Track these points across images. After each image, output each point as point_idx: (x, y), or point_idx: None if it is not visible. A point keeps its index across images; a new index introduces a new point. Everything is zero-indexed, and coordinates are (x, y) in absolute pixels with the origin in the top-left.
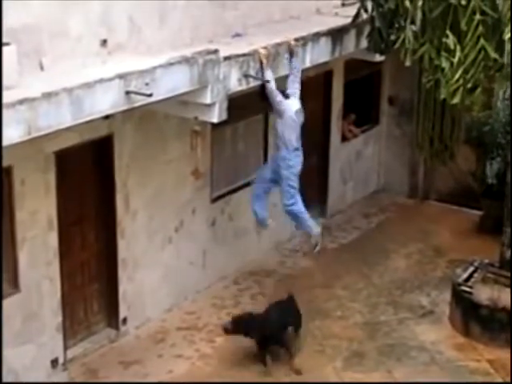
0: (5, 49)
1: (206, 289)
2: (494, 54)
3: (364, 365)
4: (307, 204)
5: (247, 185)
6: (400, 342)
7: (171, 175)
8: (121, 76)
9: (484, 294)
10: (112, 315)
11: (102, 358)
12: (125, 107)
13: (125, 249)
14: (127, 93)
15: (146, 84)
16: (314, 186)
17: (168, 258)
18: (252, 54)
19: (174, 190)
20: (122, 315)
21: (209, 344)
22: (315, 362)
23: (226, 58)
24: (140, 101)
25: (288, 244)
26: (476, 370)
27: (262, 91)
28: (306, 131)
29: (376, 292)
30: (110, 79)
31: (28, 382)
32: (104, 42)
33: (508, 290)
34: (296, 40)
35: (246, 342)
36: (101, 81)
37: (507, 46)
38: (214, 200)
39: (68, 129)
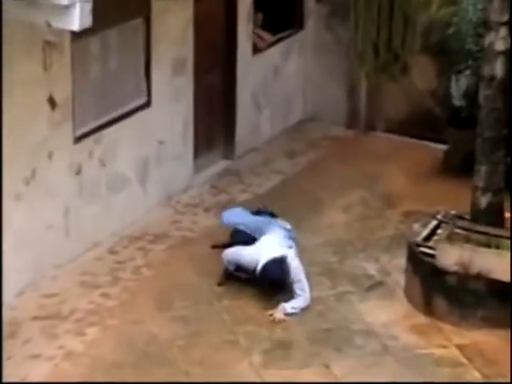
0: None
1: (72, 261)
2: None
3: (291, 358)
4: (209, 141)
5: (124, 116)
6: (339, 326)
7: (17, 106)
8: None
9: (451, 256)
10: None
11: None
12: None
13: None
14: None
15: None
16: (217, 115)
17: (17, 222)
18: None
19: (21, 126)
20: None
21: (77, 338)
22: (225, 357)
23: None
24: None
25: (183, 196)
26: (443, 360)
27: None
28: (204, 42)
29: (305, 259)
30: None
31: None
32: None
33: (483, 250)
34: None
35: (125, 333)
36: None
37: None
38: (79, 139)
39: None
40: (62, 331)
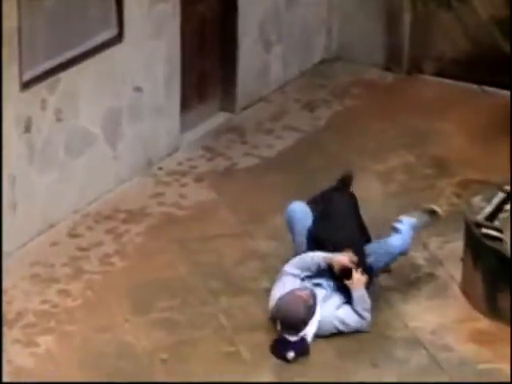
0: None
1: (19, 249)
2: None
3: (311, 377)
4: (202, 89)
5: (88, 55)
6: (375, 334)
7: None
8: None
9: None
10: None
11: None
12: None
13: None
14: None
15: None
16: (212, 54)
17: None
18: None
19: None
20: None
21: (27, 349)
22: (224, 375)
23: None
24: None
25: (168, 161)
26: None
27: None
28: None
29: None
30: None
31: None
32: None
33: None
34: None
35: (90, 343)
36: None
37: None
38: (27, 85)
39: None
40: (7, 340)
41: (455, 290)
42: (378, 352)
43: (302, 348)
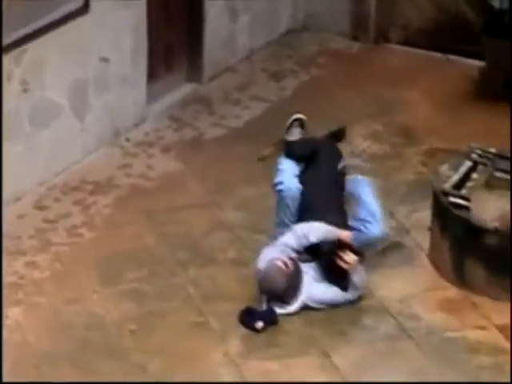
0: None
1: None
2: None
3: (279, 345)
4: (169, 59)
5: (54, 26)
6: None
7: None
8: None
9: (491, 209)
10: None
11: None
12: None
13: None
14: None
15: None
16: (179, 25)
17: None
18: None
19: None
20: None
21: None
22: (192, 344)
23: None
24: None
25: (135, 132)
26: (479, 345)
27: None
28: None
29: None
30: None
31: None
32: None
33: None
34: None
35: (59, 315)
36: None
37: None
38: None
39: None
40: None
41: (423, 258)
42: (346, 320)
43: (271, 318)
